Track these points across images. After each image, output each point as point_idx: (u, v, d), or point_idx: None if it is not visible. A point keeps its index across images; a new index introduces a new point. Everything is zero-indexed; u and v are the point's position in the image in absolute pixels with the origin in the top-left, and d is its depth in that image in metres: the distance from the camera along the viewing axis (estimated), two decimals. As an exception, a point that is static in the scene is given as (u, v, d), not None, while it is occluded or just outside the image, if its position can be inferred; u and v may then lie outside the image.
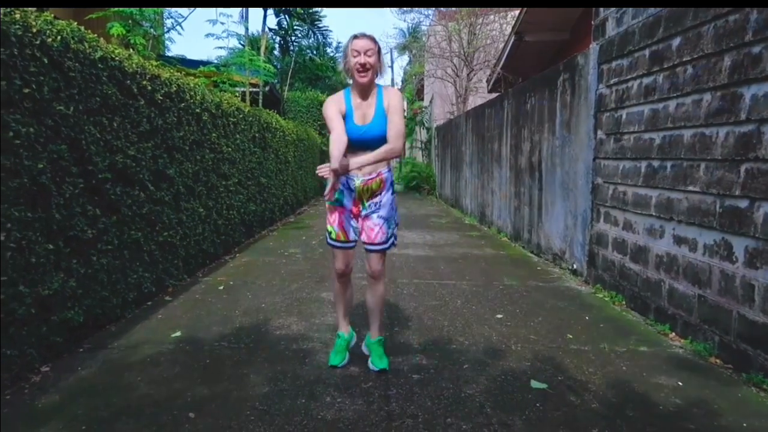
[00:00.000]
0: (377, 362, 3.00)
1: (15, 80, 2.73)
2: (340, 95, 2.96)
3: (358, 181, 2.89)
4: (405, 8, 17.36)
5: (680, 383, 2.88)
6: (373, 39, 2.82)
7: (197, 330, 3.65)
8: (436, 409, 2.57)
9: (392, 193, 3.04)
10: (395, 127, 2.84)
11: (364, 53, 2.76)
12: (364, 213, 2.97)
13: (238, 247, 6.92)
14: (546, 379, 2.90)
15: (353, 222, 3.02)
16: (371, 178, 2.91)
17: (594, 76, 4.96)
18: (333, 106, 2.87)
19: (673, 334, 3.66)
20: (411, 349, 3.33)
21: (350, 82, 2.97)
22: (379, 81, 2.95)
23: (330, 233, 3.03)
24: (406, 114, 21.62)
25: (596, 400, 2.67)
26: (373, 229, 2.95)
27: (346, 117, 2.86)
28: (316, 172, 2.76)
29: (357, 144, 2.84)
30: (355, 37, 2.81)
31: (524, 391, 2.77)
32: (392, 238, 3.04)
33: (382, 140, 2.84)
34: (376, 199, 2.96)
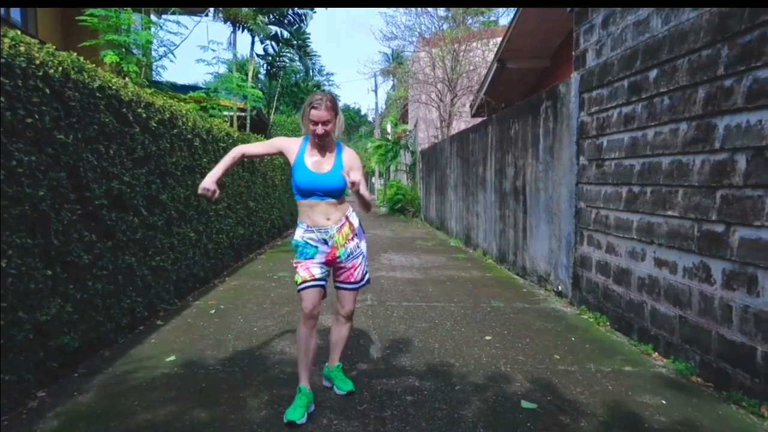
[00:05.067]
0: (342, 385, 3.03)
1: (19, 110, 2.81)
2: (298, 139, 3.05)
3: (332, 231, 2.94)
4: (389, 35, 17.66)
5: (664, 402, 2.99)
6: (330, 107, 2.86)
7: (191, 354, 3.68)
8: (431, 430, 2.64)
9: (363, 232, 3.11)
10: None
11: (321, 123, 2.85)
12: (343, 258, 2.98)
13: (227, 270, 6.95)
14: (536, 399, 2.99)
15: (322, 266, 2.97)
16: (342, 225, 2.98)
17: (575, 104, 5.15)
18: (280, 141, 3.06)
19: (656, 353, 3.78)
20: (404, 372, 3.41)
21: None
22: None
23: (297, 282, 2.97)
24: (391, 138, 21.67)
25: (584, 419, 2.76)
26: (356, 268, 3.01)
27: (296, 161, 2.95)
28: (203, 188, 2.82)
29: (314, 190, 2.91)
30: (313, 107, 2.83)
31: (515, 411, 2.85)
32: (367, 275, 3.10)
33: (340, 190, 2.93)
34: (353, 243, 3.01)
